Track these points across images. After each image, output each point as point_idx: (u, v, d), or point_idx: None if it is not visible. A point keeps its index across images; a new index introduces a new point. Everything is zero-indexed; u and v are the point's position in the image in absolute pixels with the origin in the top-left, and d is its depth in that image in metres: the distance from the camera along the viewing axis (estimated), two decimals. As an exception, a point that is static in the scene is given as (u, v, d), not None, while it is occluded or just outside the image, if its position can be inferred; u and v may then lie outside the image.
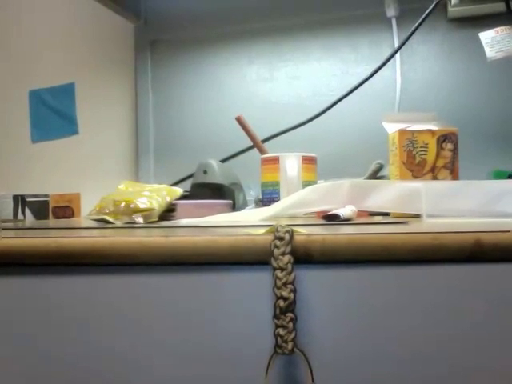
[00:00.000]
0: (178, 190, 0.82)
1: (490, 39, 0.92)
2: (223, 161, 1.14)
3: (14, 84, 1.09)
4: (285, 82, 1.25)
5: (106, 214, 0.73)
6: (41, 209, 0.96)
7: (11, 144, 1.08)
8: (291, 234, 0.44)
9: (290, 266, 0.43)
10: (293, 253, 0.43)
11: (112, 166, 1.33)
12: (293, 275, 0.43)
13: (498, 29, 0.92)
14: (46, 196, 0.97)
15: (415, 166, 0.73)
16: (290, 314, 0.43)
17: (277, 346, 0.43)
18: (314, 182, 0.88)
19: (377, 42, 1.19)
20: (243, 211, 0.89)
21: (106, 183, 1.17)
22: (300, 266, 0.44)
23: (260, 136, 1.03)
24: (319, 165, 0.92)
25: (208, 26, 1.30)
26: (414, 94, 1.16)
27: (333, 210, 0.65)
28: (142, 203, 0.73)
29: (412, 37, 1.06)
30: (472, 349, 0.44)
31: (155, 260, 0.47)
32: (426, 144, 0.73)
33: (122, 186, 0.83)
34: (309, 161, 0.89)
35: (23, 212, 0.93)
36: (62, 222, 0.83)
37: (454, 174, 0.73)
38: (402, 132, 0.73)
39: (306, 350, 0.44)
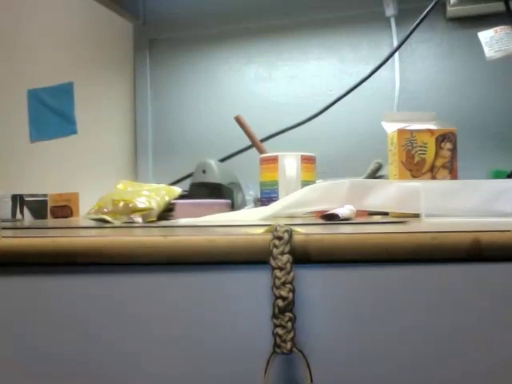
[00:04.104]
0: (177, 190, 0.81)
1: (489, 39, 0.92)
2: (222, 160, 1.14)
3: (13, 83, 1.09)
4: (284, 82, 1.25)
5: (104, 213, 0.73)
6: (39, 208, 0.95)
7: (10, 143, 1.07)
8: (290, 233, 0.44)
9: (288, 266, 0.43)
10: (292, 252, 0.43)
11: (111, 166, 1.33)
12: (291, 275, 0.43)
13: (497, 28, 0.92)
14: (45, 195, 0.97)
15: (414, 166, 0.73)
16: (288, 314, 0.43)
17: (275, 345, 0.43)
18: (313, 182, 0.88)
19: (376, 42, 1.19)
20: (242, 211, 0.89)
21: (104, 183, 1.16)
22: (299, 265, 0.44)
23: (259, 135, 1.03)
24: (318, 164, 0.92)
25: (207, 25, 1.30)
26: (413, 94, 1.16)
27: (332, 209, 0.65)
28: (141, 203, 0.73)
29: (411, 36, 1.06)
30: (471, 348, 0.44)
31: (154, 259, 0.47)
32: (425, 143, 0.73)
33: (120, 186, 0.83)
34: (308, 160, 0.88)
35: (22, 211, 0.93)
36: (61, 222, 0.83)
37: (453, 174, 0.73)
38: (400, 131, 0.73)
39: (305, 350, 0.44)
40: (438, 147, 0.73)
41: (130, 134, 1.37)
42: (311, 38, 1.23)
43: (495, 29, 0.93)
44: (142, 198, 0.74)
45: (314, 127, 1.15)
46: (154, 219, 0.73)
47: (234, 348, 0.46)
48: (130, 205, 0.73)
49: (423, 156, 0.73)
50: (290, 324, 0.43)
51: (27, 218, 0.93)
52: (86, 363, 0.49)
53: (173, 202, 0.79)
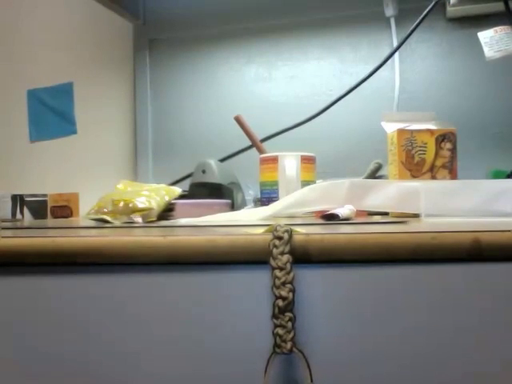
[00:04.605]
0: (177, 190, 0.81)
1: (489, 39, 0.92)
2: (222, 160, 1.14)
3: (13, 83, 1.09)
4: (283, 82, 1.25)
5: (104, 213, 0.73)
6: (39, 208, 0.95)
7: (10, 143, 1.07)
8: (290, 233, 0.44)
9: (288, 266, 0.43)
10: (292, 252, 0.43)
11: (111, 166, 1.33)
12: (291, 275, 0.43)
13: (497, 28, 0.92)
14: (45, 195, 0.97)
15: (414, 166, 0.73)
16: (288, 314, 0.43)
17: (276, 345, 0.43)
18: (313, 182, 0.88)
19: (376, 42, 1.19)
20: (242, 211, 0.89)
21: (104, 183, 1.16)
22: (299, 265, 0.44)
23: (259, 135, 1.03)
24: (318, 164, 0.92)
25: (207, 25, 1.30)
26: (413, 94, 1.16)
27: (332, 209, 0.65)
28: (141, 203, 0.73)
29: (411, 36, 1.06)
30: (472, 348, 0.44)
31: (153, 259, 0.47)
32: (425, 143, 0.73)
33: (120, 186, 0.83)
34: (308, 160, 0.88)
35: (22, 211, 0.93)
36: (61, 222, 0.83)
37: (453, 174, 0.73)
38: (400, 131, 0.73)
39: (305, 350, 0.44)
40: (438, 147, 0.73)
41: (130, 134, 1.37)
42: (311, 37, 1.23)
43: (495, 29, 0.93)
44: (141, 197, 0.74)
45: (314, 127, 1.15)
46: (154, 219, 0.73)
47: (234, 348, 0.46)
48: (130, 205, 0.73)
49: (423, 156, 0.73)
50: (290, 324, 0.43)
51: (27, 217, 0.93)
52: (85, 363, 0.49)
53: (173, 202, 0.79)
